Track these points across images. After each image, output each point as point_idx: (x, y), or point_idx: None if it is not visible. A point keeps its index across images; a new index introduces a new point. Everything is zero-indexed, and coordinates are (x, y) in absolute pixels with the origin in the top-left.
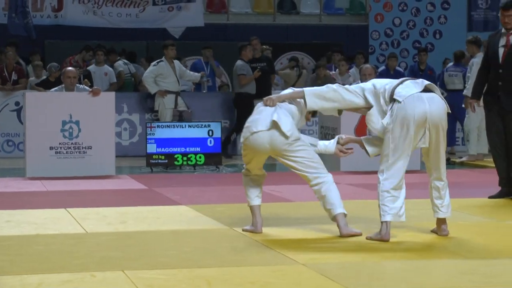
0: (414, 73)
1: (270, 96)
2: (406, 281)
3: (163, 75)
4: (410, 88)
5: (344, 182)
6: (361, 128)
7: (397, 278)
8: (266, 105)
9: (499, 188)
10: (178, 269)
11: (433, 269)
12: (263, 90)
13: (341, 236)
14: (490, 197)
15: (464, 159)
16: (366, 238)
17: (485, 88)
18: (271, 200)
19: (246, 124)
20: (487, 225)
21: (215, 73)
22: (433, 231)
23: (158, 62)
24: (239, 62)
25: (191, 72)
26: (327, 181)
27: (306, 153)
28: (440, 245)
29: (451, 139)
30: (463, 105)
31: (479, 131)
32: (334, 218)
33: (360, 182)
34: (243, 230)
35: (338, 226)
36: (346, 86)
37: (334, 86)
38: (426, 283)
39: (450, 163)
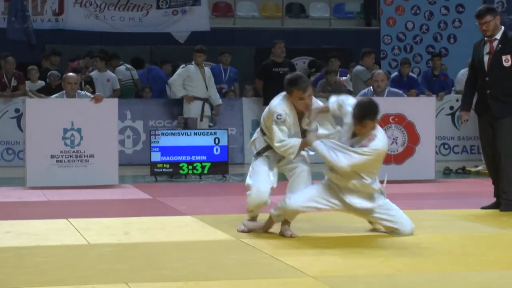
0: (428, 79)
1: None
2: None
3: (190, 77)
4: None
5: None
6: None
7: None
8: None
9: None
10: (184, 281)
11: (448, 282)
12: None
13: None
14: (482, 208)
15: (480, 168)
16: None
17: (475, 97)
18: None
19: None
20: (501, 236)
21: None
22: None
23: (186, 65)
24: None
25: (216, 93)
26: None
27: None
28: (454, 257)
29: None
30: None
31: None
32: None
33: None
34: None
35: None
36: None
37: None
38: None
39: (465, 172)
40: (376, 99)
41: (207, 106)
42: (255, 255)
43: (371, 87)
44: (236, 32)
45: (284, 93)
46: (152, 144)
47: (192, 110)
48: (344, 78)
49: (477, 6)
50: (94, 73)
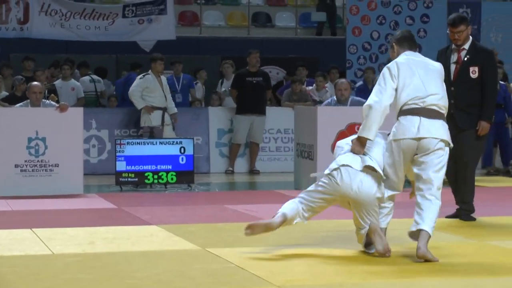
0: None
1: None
2: None
3: (149, 88)
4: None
5: None
6: None
7: None
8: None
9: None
10: None
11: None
12: (259, 105)
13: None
14: (447, 217)
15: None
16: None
17: None
18: (246, 220)
19: None
20: (467, 245)
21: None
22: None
23: (144, 75)
24: None
25: (172, 102)
26: None
27: None
28: (420, 266)
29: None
30: None
31: None
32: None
33: None
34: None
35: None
36: None
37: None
38: None
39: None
40: (340, 108)
41: (167, 115)
42: (220, 264)
43: (335, 97)
44: (202, 41)
45: None
46: (117, 154)
47: (153, 120)
48: (310, 87)
49: (442, 16)
50: (58, 82)
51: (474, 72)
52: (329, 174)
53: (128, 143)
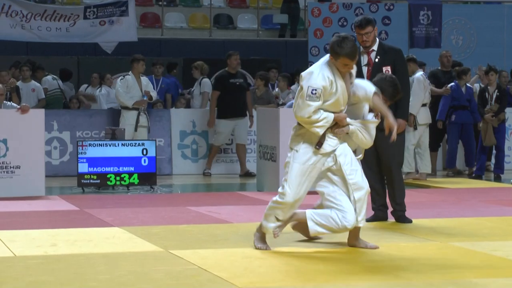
0: None
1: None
2: None
3: (128, 88)
4: None
5: None
6: None
7: None
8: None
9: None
10: None
11: None
12: (243, 107)
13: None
14: (367, 220)
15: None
16: None
17: None
18: (209, 222)
19: None
20: (430, 246)
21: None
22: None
23: (124, 76)
24: None
25: (154, 92)
26: None
27: None
28: (381, 267)
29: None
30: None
31: (421, 149)
32: None
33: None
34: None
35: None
36: None
37: None
38: None
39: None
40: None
41: (143, 116)
42: (183, 266)
43: None
44: (164, 43)
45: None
46: (79, 155)
47: (128, 120)
48: (277, 90)
49: (404, 19)
50: (19, 83)
51: (387, 72)
52: None
53: (90, 144)
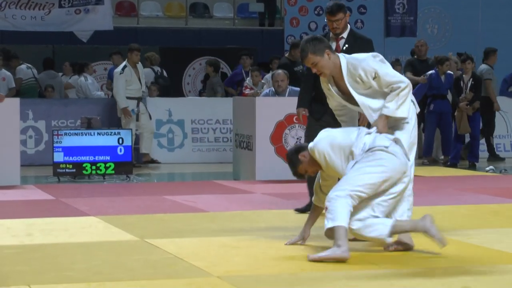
0: None
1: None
2: None
3: (128, 81)
4: None
5: (260, 192)
6: (277, 136)
7: None
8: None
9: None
10: (87, 283)
11: (349, 279)
12: None
13: None
14: (296, 210)
15: None
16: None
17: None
18: (185, 211)
19: None
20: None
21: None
22: None
23: (123, 69)
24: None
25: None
26: None
27: None
28: (359, 256)
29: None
30: None
31: None
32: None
33: (276, 192)
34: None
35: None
36: None
37: None
38: None
39: None
40: (278, 99)
41: (142, 105)
42: (159, 255)
43: (273, 88)
44: (140, 31)
45: None
46: (55, 144)
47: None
48: (246, 82)
49: (379, 8)
50: None
51: None
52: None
53: (65, 133)
